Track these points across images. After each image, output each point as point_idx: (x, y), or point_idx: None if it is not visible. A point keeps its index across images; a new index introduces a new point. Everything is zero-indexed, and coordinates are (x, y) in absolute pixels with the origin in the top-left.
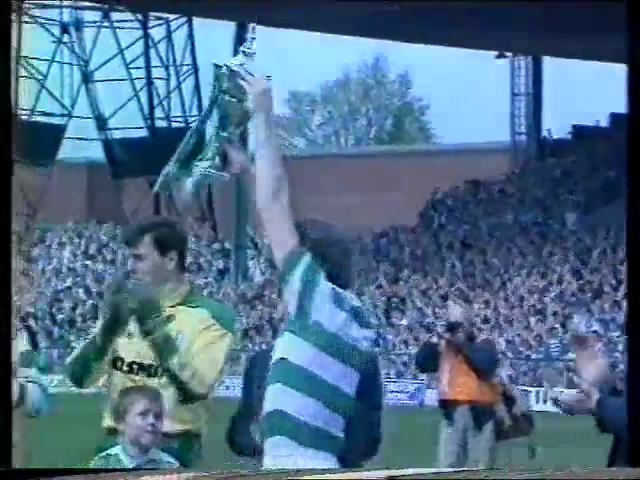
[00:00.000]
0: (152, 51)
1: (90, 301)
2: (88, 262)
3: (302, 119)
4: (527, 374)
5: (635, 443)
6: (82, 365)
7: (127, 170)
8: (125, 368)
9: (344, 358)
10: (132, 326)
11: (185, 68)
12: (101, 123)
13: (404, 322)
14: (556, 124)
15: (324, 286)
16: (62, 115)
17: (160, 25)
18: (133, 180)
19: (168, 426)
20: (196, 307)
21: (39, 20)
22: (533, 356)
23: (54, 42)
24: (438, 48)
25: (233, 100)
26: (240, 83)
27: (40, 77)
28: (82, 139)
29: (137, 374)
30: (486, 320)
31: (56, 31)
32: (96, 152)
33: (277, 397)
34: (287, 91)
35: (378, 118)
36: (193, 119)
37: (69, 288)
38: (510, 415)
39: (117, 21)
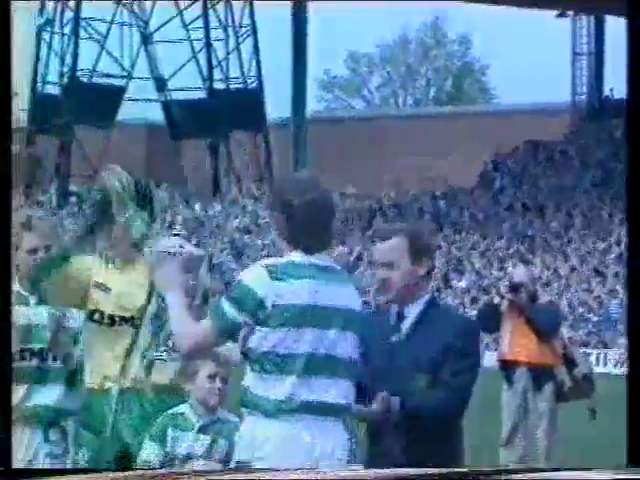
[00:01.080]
0: (211, 12)
1: None
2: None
3: (360, 80)
4: (588, 336)
5: (635, 443)
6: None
7: (186, 131)
8: (106, 321)
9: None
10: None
11: (244, 29)
12: (160, 84)
13: (462, 284)
14: (618, 84)
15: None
16: (121, 76)
17: None
18: (192, 141)
19: None
20: None
21: None
22: (593, 318)
23: (114, 3)
24: (498, 7)
25: None
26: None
27: (100, 38)
28: (141, 100)
29: (120, 325)
30: (546, 282)
31: None
32: (155, 113)
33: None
34: (345, 52)
35: (437, 79)
36: (251, 81)
37: None
38: (571, 377)
39: None
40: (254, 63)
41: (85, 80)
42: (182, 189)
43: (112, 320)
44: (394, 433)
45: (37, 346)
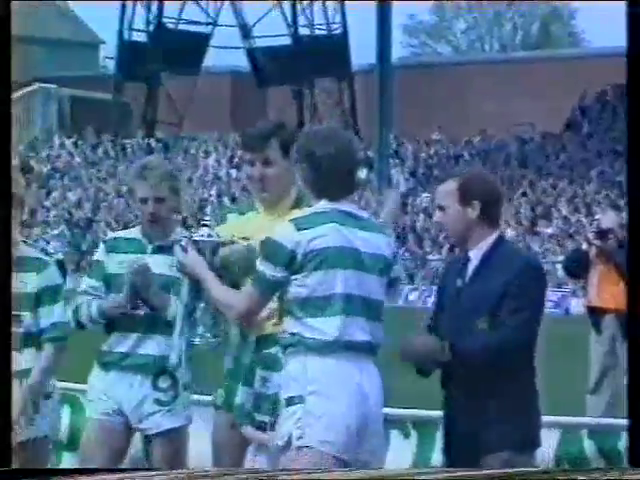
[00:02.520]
0: None
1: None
2: (233, 171)
3: (446, 25)
4: None
5: (635, 443)
6: None
7: (270, 79)
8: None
9: None
10: None
11: None
12: (245, 32)
13: (549, 231)
14: None
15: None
16: (207, 24)
17: None
18: (277, 88)
19: None
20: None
21: None
22: None
23: None
24: None
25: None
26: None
27: None
28: (227, 48)
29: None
30: None
31: None
32: (240, 61)
33: None
34: None
35: (524, 23)
36: (336, 27)
37: (217, 196)
38: None
39: None
40: (339, 9)
41: (171, 27)
42: (244, 132)
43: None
44: (459, 376)
45: (148, 295)
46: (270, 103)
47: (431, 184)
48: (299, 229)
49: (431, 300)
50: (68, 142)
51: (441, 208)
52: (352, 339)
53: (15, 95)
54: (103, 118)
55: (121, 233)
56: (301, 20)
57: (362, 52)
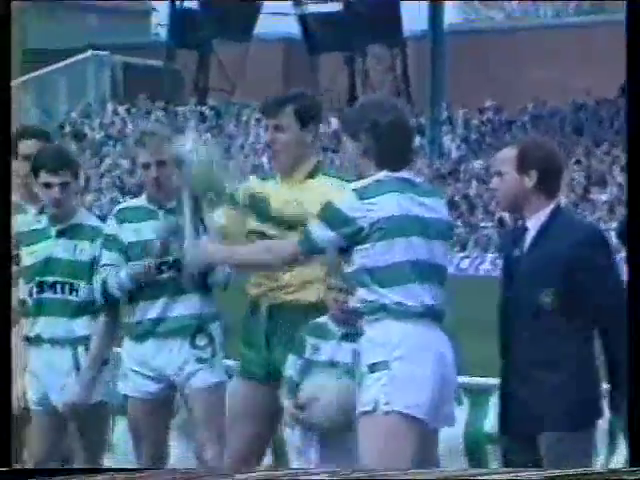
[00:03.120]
0: None
1: None
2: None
3: None
4: None
5: (635, 443)
6: None
7: (322, 45)
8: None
9: None
10: None
11: None
12: None
13: (603, 197)
14: None
15: None
16: None
17: None
18: (328, 55)
19: None
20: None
21: None
22: None
23: None
24: None
25: None
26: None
27: None
28: (278, 14)
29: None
30: None
31: None
32: (292, 27)
33: None
34: None
35: None
36: None
37: (267, 162)
38: None
39: None
40: None
41: None
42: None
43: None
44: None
45: (172, 258)
46: (321, 69)
47: (483, 151)
48: (361, 198)
49: (483, 267)
50: (121, 109)
51: (498, 174)
52: (426, 305)
53: (68, 62)
54: (155, 85)
55: (129, 203)
56: None
57: (414, 18)
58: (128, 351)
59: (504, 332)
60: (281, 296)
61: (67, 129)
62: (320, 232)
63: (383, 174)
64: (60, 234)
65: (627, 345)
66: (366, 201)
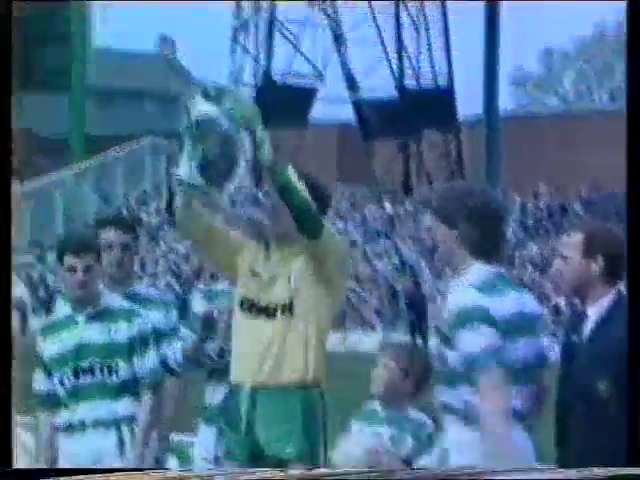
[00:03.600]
0: (403, 11)
1: None
2: (338, 222)
3: (554, 76)
4: None
5: (635, 443)
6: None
7: (377, 131)
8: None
9: None
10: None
11: (435, 28)
12: (351, 84)
13: None
14: None
15: None
16: (314, 77)
17: None
18: (383, 141)
19: None
20: None
21: None
22: None
23: (307, 5)
24: None
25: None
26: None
27: (293, 39)
28: (333, 101)
29: (263, 316)
30: None
31: None
32: (346, 113)
33: None
34: (540, 47)
35: None
36: (442, 78)
37: None
38: None
39: None
40: (445, 61)
41: (278, 81)
42: (373, 188)
43: (258, 309)
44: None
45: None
46: (376, 155)
47: (539, 236)
48: (483, 293)
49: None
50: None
51: (562, 258)
52: (517, 409)
53: (127, 148)
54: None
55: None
56: (408, 72)
57: (469, 103)
58: (201, 434)
59: (560, 419)
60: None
61: (124, 214)
62: (486, 337)
63: (486, 267)
64: (91, 319)
65: (627, 345)
66: (487, 296)
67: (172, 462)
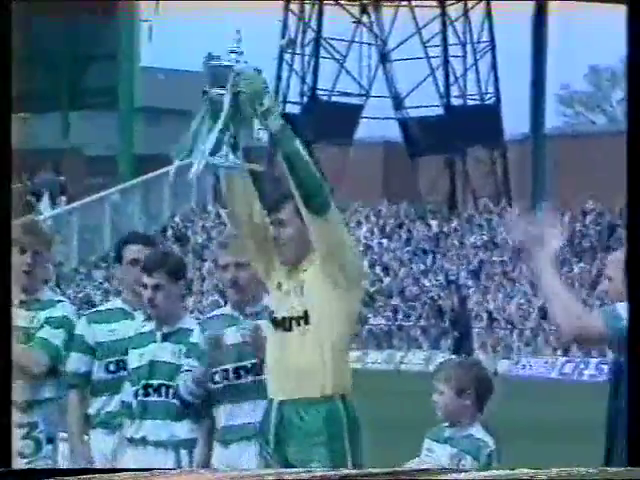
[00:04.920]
0: (449, 29)
1: (387, 278)
2: (384, 240)
3: (602, 95)
4: None
5: (635, 443)
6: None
7: (423, 148)
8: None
9: None
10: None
11: (482, 45)
12: (397, 102)
13: None
14: None
15: None
16: (360, 95)
17: (457, 2)
18: (429, 159)
19: None
20: None
21: (339, 1)
22: None
23: (354, 22)
24: None
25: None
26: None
27: (339, 58)
28: (379, 118)
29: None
30: None
31: (356, 11)
32: (392, 131)
33: None
34: (587, 66)
35: None
36: (488, 97)
37: (369, 266)
38: None
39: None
40: (492, 79)
41: (324, 99)
42: (418, 206)
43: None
44: None
45: (250, 363)
46: (422, 173)
47: (587, 254)
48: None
49: (587, 372)
50: (223, 212)
51: (609, 279)
52: None
53: (173, 167)
54: (256, 190)
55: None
56: (454, 90)
57: (515, 121)
58: (217, 457)
59: (610, 439)
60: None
61: (170, 232)
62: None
63: None
64: (165, 338)
65: (627, 346)
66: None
67: None
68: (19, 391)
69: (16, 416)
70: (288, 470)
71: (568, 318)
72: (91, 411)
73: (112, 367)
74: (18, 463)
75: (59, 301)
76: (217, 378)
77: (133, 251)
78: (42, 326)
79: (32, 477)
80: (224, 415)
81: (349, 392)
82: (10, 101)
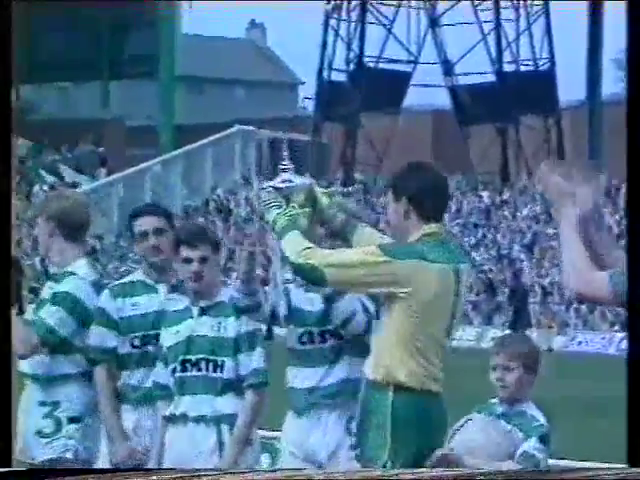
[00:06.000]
0: None
1: None
2: None
3: None
4: None
5: (635, 442)
6: None
7: (473, 116)
8: None
9: None
10: None
11: (535, 8)
12: (447, 69)
13: None
14: None
15: None
16: (408, 61)
17: None
18: (480, 127)
19: None
20: None
21: None
22: None
23: None
24: None
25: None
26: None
27: (386, 23)
28: (428, 86)
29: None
30: None
31: None
32: (442, 99)
33: None
34: None
35: None
36: (542, 63)
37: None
38: None
39: None
40: (546, 44)
41: (372, 66)
42: (469, 177)
43: None
44: None
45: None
46: (473, 142)
47: None
48: None
49: None
50: (267, 184)
51: None
52: None
53: (215, 137)
54: (302, 160)
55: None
56: (506, 56)
57: (570, 88)
58: (287, 429)
59: None
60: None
61: (212, 205)
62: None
63: None
64: (203, 312)
65: (627, 345)
66: None
67: (265, 459)
68: (36, 366)
69: (37, 394)
70: (339, 470)
71: (575, 275)
72: (119, 387)
73: (137, 342)
74: (38, 442)
75: (69, 273)
76: (304, 339)
77: (143, 223)
78: (44, 302)
79: (32, 477)
80: (299, 378)
81: (393, 380)
82: (10, 108)
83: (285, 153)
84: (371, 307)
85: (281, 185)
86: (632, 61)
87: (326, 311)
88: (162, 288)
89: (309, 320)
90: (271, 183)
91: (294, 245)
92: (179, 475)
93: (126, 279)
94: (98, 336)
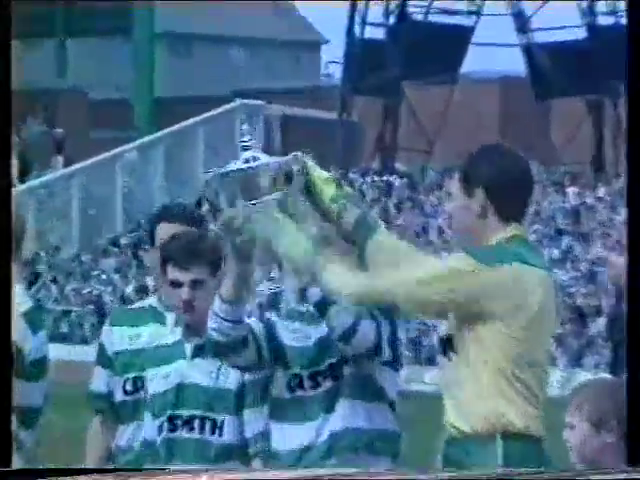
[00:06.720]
0: None
1: None
2: None
3: None
4: None
5: (635, 443)
6: None
7: (555, 86)
8: None
9: None
10: None
11: None
12: (521, 23)
13: None
14: None
15: None
16: (469, 12)
17: None
18: (566, 101)
19: None
20: None
21: None
22: None
23: None
24: None
25: None
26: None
27: None
28: (495, 45)
29: None
30: None
31: None
32: (514, 63)
33: None
34: None
35: None
36: None
37: None
38: None
39: None
40: None
41: (419, 19)
42: (551, 165)
43: None
44: None
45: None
46: (554, 120)
47: None
48: None
49: None
50: None
51: None
52: None
53: (209, 114)
54: (326, 144)
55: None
56: (600, 5)
57: None
58: None
59: None
60: None
61: (205, 205)
62: None
63: None
64: (197, 352)
65: (627, 344)
66: None
67: None
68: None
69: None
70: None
71: None
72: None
73: (129, 386)
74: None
75: None
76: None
77: (167, 231)
78: None
79: (32, 477)
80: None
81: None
82: (10, 107)
83: (245, 126)
84: (378, 313)
85: (244, 166)
86: (632, 61)
87: (319, 345)
88: (170, 318)
89: (298, 359)
90: (230, 167)
91: (336, 270)
92: (180, 476)
93: (137, 304)
94: (97, 378)
